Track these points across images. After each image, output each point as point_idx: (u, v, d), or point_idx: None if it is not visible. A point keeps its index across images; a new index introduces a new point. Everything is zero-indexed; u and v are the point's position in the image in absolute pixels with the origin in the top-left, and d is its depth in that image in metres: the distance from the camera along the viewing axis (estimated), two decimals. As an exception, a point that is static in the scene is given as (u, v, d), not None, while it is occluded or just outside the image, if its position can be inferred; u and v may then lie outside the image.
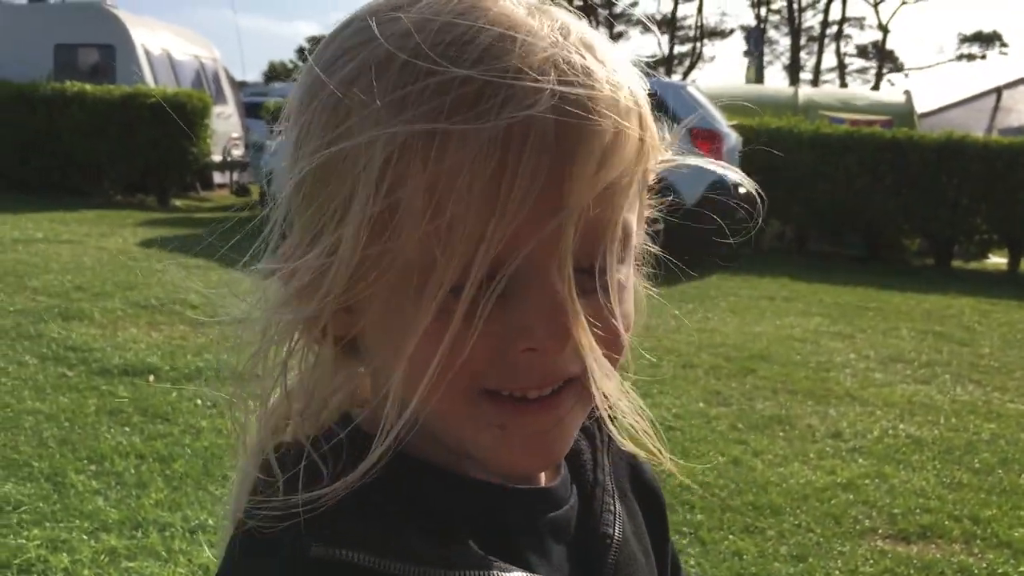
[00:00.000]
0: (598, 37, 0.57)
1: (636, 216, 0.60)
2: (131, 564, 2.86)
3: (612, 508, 0.68)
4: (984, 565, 3.45)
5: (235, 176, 15.92)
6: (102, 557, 2.89)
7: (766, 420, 4.94)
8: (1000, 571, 3.42)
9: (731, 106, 12.66)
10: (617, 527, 0.67)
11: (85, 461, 3.64)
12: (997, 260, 13.09)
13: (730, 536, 3.51)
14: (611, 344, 0.57)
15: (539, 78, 0.51)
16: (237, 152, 15.83)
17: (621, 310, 0.58)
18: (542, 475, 0.65)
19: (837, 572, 3.33)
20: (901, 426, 5.05)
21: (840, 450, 4.60)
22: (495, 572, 0.56)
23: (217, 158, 14.78)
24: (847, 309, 8.44)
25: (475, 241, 0.51)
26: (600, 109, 0.52)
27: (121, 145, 12.64)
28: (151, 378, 4.77)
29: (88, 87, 12.66)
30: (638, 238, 0.64)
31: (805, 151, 11.87)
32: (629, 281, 0.60)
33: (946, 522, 3.80)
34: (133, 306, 6.28)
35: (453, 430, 0.57)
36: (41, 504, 3.22)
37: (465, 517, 0.59)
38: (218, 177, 15.66)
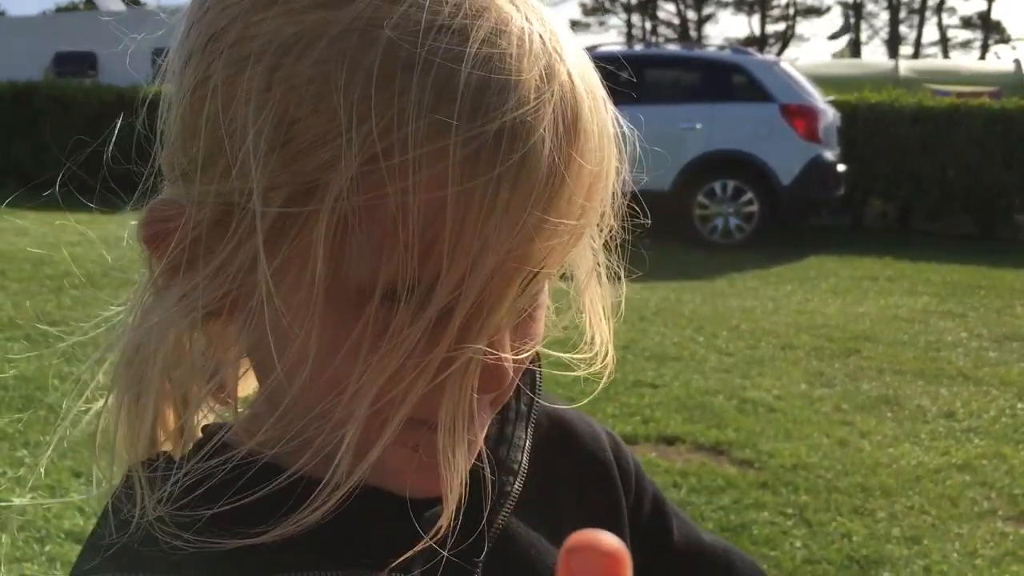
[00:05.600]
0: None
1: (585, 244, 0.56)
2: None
3: (508, 489, 0.61)
4: (1118, 549, 3.22)
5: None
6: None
7: (872, 401, 4.74)
8: None
9: (828, 81, 12.27)
10: (502, 513, 0.60)
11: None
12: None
13: (838, 517, 3.36)
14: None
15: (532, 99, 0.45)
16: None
17: (532, 333, 0.54)
18: None
19: (955, 554, 3.15)
20: (1019, 405, 4.77)
21: (954, 431, 4.37)
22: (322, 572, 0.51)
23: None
24: (956, 288, 8.06)
25: (448, 268, 0.44)
26: (583, 143, 0.47)
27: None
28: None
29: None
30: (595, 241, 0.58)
31: (908, 126, 11.40)
32: (544, 304, 0.55)
33: (1073, 504, 3.57)
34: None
35: (360, 449, 0.49)
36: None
37: (280, 514, 0.51)
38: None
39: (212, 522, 0.49)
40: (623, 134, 0.52)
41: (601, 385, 0.62)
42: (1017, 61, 17.07)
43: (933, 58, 37.77)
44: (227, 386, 0.57)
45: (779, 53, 38.98)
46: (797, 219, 10.39)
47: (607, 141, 0.49)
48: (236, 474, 0.50)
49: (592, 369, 0.61)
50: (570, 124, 0.46)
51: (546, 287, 0.54)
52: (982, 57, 41.00)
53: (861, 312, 6.86)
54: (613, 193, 0.52)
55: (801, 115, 9.46)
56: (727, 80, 9.76)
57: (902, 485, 3.69)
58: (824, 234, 11.01)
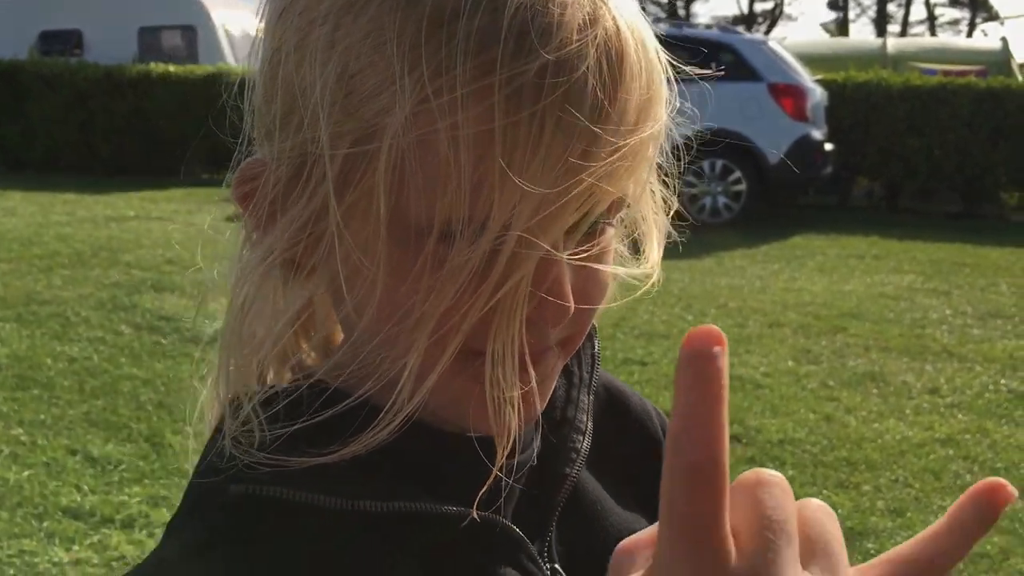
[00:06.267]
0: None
1: (638, 183, 0.56)
2: (227, 518, 2.94)
3: (577, 446, 0.65)
4: (1096, 520, 3.30)
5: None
6: (199, 512, 2.98)
7: (858, 377, 4.81)
8: (1114, 526, 3.26)
9: (816, 60, 12.28)
10: (576, 467, 0.64)
11: (181, 423, 3.74)
12: (1103, 212, 12.47)
13: (824, 491, 3.42)
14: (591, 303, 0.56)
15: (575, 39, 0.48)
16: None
17: (600, 277, 0.56)
18: None
19: (938, 527, 3.22)
20: (1003, 381, 4.85)
21: (938, 406, 4.44)
22: (437, 505, 0.54)
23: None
24: (942, 266, 8.14)
25: (497, 200, 0.47)
26: (628, 80, 0.50)
27: (204, 123, 12.94)
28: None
29: (172, 68, 12.97)
30: (645, 206, 0.61)
31: (895, 104, 11.44)
32: (611, 245, 0.57)
33: (1054, 477, 3.64)
34: (223, 276, 6.43)
35: (441, 390, 0.53)
36: (141, 463, 3.34)
37: (415, 464, 0.57)
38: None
39: (293, 444, 0.53)
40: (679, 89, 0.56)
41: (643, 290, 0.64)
42: (1004, 39, 17.11)
43: (920, 36, 37.79)
44: (314, 331, 0.62)
45: (767, 32, 38.92)
46: (785, 198, 10.44)
47: (655, 84, 0.52)
48: (314, 403, 0.55)
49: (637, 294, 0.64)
50: (615, 64, 0.49)
51: (611, 235, 0.56)
52: (969, 35, 41.05)
53: (847, 290, 6.92)
54: (669, 137, 0.55)
55: (789, 94, 9.49)
56: (715, 59, 9.76)
57: (886, 459, 3.76)
58: (811, 212, 11.07)
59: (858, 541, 3.09)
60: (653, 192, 0.61)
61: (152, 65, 12.99)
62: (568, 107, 0.47)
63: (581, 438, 0.65)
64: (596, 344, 0.70)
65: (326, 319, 0.63)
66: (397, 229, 0.50)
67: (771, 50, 9.94)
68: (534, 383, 0.53)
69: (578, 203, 0.49)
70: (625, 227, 0.61)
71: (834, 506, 3.29)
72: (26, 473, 3.21)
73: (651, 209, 0.61)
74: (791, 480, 3.45)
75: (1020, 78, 13.92)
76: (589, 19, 0.48)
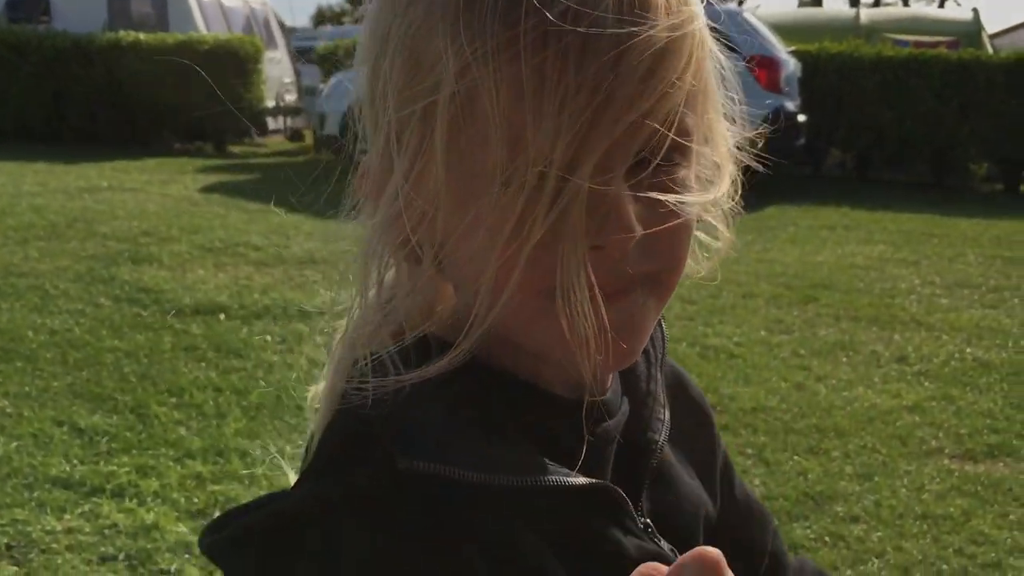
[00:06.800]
0: None
1: (697, 123, 0.61)
2: (216, 487, 3.00)
3: (661, 416, 0.71)
4: (1054, 483, 3.44)
5: (288, 121, 16.03)
6: (189, 481, 3.04)
7: (829, 346, 4.92)
8: (1071, 488, 3.40)
9: (789, 30, 12.34)
10: (663, 434, 0.71)
11: (165, 394, 3.79)
12: (1069, 183, 12.67)
13: (795, 457, 3.54)
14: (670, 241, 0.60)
15: None
16: (290, 97, 15.92)
17: (676, 214, 0.59)
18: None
19: (903, 490, 3.35)
20: (968, 350, 4.99)
21: (905, 374, 4.57)
22: (562, 478, 0.59)
23: (270, 104, 14.89)
24: (911, 236, 8.29)
25: (536, 138, 0.53)
26: (653, 17, 0.54)
27: (177, 93, 12.80)
28: (222, 316, 4.91)
29: (142, 36, 12.80)
30: (721, 159, 0.66)
31: (867, 76, 11.55)
32: (690, 187, 0.61)
33: (1014, 441, 3.78)
34: (199, 249, 6.44)
35: (533, 333, 0.59)
36: (127, 434, 3.38)
37: (529, 425, 0.62)
38: (271, 123, 15.79)
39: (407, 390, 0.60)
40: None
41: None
42: (975, 10, 17.24)
43: (893, 7, 37.91)
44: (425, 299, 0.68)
45: (740, 3, 38.83)
46: (758, 169, 10.52)
47: (688, 22, 0.56)
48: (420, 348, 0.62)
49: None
50: (638, 5, 0.54)
51: (681, 175, 0.60)
52: (941, 6, 41.23)
53: (819, 261, 7.04)
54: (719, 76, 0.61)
55: (763, 65, 9.56)
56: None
57: (855, 426, 3.88)
58: (784, 184, 11.18)
59: (827, 505, 3.21)
60: (724, 139, 0.66)
61: (122, 33, 12.81)
62: (591, 43, 0.52)
63: (663, 409, 0.72)
64: (663, 326, 0.75)
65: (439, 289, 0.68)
66: (463, 179, 0.56)
67: (746, 21, 9.98)
68: (603, 316, 0.56)
69: (612, 131, 0.54)
70: (702, 172, 0.64)
71: (804, 471, 3.41)
72: (14, 444, 3.25)
73: (724, 153, 0.66)
74: (763, 447, 3.58)
75: (990, 50, 14.07)
76: None
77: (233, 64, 13.14)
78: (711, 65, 0.62)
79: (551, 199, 0.54)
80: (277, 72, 15.36)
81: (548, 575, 0.58)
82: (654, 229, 0.57)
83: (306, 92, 15.13)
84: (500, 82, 0.53)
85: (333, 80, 11.65)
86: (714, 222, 0.68)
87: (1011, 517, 3.19)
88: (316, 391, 0.68)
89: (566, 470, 0.60)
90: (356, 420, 0.59)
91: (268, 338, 4.57)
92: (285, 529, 0.57)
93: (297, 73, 16.44)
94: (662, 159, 0.57)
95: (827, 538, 3.00)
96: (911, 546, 2.98)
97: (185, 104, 12.82)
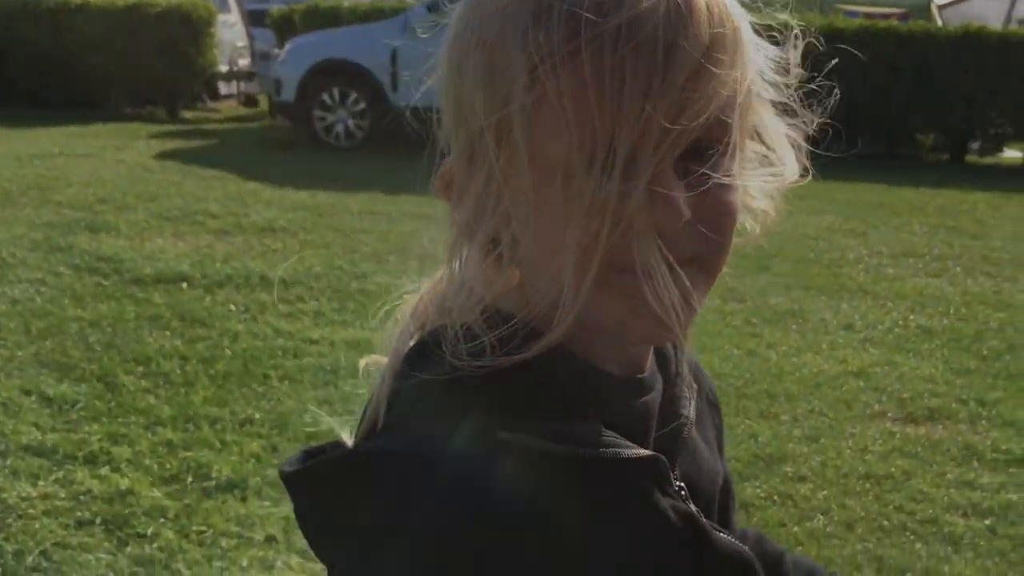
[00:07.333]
0: None
1: (743, 118, 0.68)
2: (188, 454, 3.07)
3: (687, 395, 0.80)
4: (988, 443, 3.64)
5: (242, 87, 15.82)
6: (160, 448, 3.10)
7: (780, 315, 5.09)
8: (1004, 447, 3.60)
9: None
10: (692, 410, 0.79)
11: (132, 363, 3.83)
12: (1012, 154, 13.02)
13: (746, 421, 3.69)
14: (716, 230, 0.67)
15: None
16: (243, 62, 15.69)
17: (723, 200, 0.67)
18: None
19: (848, 451, 3.52)
20: (912, 317, 5.19)
21: (852, 341, 4.76)
22: (625, 450, 0.68)
23: (224, 68, 14.68)
24: (860, 206, 8.50)
25: (598, 133, 0.61)
26: (697, 22, 0.63)
27: (128, 57, 12.58)
28: (184, 285, 4.93)
29: (92, -2, 12.53)
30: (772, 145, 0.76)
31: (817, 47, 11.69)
32: (734, 176, 0.68)
33: (953, 405, 3.98)
34: (157, 217, 6.42)
35: (612, 310, 0.66)
36: (97, 402, 3.42)
37: (585, 400, 0.70)
38: (224, 88, 15.57)
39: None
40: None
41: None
42: (925, -17, 17.50)
43: (846, -24, 38.19)
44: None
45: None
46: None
47: (729, 25, 0.65)
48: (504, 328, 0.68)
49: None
50: (685, 12, 0.62)
51: (728, 165, 0.66)
52: (893, -24, 41.61)
53: (772, 231, 7.21)
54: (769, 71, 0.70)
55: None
56: None
57: (804, 391, 4.05)
58: (738, 153, 11.35)
59: (776, 466, 3.37)
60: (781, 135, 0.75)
61: (72, -5, 12.53)
62: (644, 50, 0.61)
63: (688, 389, 0.81)
64: None
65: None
66: (537, 173, 0.64)
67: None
68: (687, 283, 0.64)
69: (663, 127, 0.62)
70: (749, 163, 0.72)
71: (755, 434, 3.57)
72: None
73: (780, 144, 0.75)
74: (717, 411, 3.73)
75: (939, 22, 14.34)
76: None
77: (185, 27, 12.93)
78: (758, 61, 0.70)
79: (614, 186, 0.62)
80: (230, 36, 15.12)
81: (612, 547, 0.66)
82: (700, 215, 0.65)
83: (260, 57, 14.92)
84: (565, 88, 0.61)
85: (289, 45, 11.50)
86: (761, 205, 0.78)
87: (948, 476, 3.38)
88: (374, 359, 0.76)
89: (627, 442, 0.68)
90: (455, 385, 0.66)
91: (232, 307, 4.61)
92: (361, 471, 0.65)
93: (251, 37, 16.19)
94: (709, 150, 0.65)
95: (776, 497, 3.16)
96: (854, 504, 3.16)
97: (136, 68, 12.66)
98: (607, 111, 0.61)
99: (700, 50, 0.62)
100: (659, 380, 0.77)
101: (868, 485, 3.29)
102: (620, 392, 0.72)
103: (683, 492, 0.74)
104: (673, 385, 0.79)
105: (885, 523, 3.05)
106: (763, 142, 0.75)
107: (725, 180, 0.66)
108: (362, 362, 0.77)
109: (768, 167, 0.77)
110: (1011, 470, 3.45)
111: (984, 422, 3.84)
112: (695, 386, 0.82)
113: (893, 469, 3.40)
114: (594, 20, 0.61)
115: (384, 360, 0.74)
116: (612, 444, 0.67)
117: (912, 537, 2.98)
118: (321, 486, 0.67)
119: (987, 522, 3.09)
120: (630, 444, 0.68)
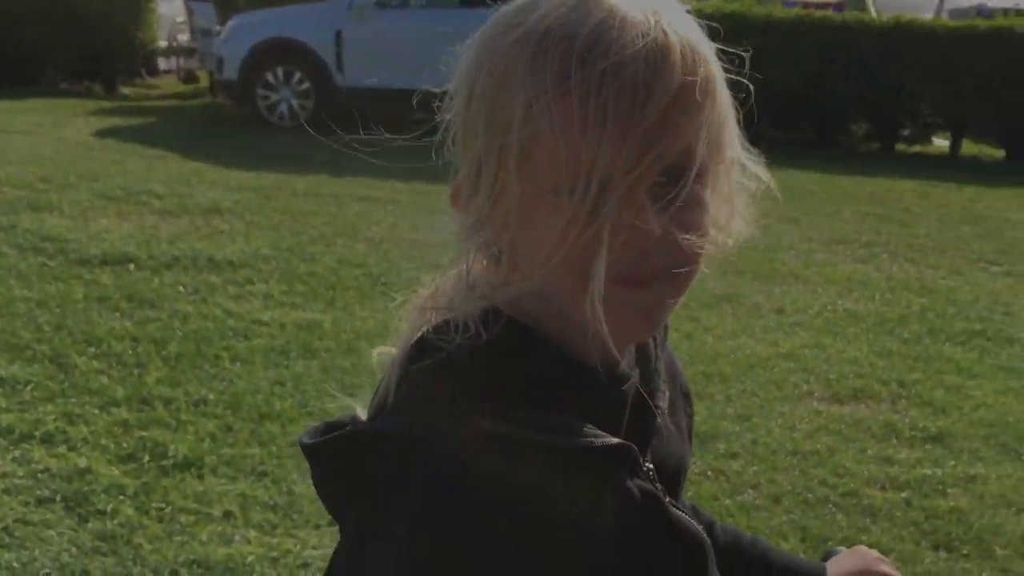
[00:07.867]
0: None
1: (712, 148, 0.78)
2: (144, 433, 3.14)
3: (662, 388, 0.90)
4: (907, 421, 3.88)
5: (181, 63, 15.59)
6: (116, 428, 3.16)
7: (716, 299, 5.29)
8: (921, 425, 3.85)
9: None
10: (665, 401, 0.89)
11: (83, 344, 3.86)
12: (940, 143, 13.48)
13: (683, 401, 3.87)
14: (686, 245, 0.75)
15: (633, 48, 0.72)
16: (182, 38, 15.45)
17: (693, 220, 0.75)
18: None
19: (777, 429, 3.73)
20: (840, 301, 5.44)
21: (783, 324, 4.99)
22: (598, 440, 0.76)
23: (163, 44, 14.45)
24: (794, 193, 8.77)
25: (582, 163, 0.71)
26: (671, 68, 0.73)
27: (64, 30, 12.31)
28: (131, 266, 4.95)
29: (27, -31, 12.23)
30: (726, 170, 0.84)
31: (757, 36, 11.98)
32: (705, 200, 0.77)
33: (875, 385, 4.22)
34: (100, 197, 6.37)
35: (579, 305, 0.74)
36: (49, 383, 3.46)
37: (566, 391, 0.79)
38: (163, 63, 15.32)
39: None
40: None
41: None
42: (860, -26, 17.91)
43: (785, -37, 38.70)
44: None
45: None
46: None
47: (703, 71, 0.73)
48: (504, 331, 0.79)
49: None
50: (661, 59, 0.71)
51: (699, 194, 0.76)
52: (830, -36, 42.25)
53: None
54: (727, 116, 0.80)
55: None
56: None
57: (737, 372, 4.25)
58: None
59: (710, 443, 3.56)
60: (743, 167, 0.85)
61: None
62: (624, 94, 0.71)
63: (663, 383, 0.90)
64: (667, 319, 0.92)
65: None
66: (529, 193, 0.74)
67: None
68: (652, 294, 0.75)
69: (638, 158, 0.72)
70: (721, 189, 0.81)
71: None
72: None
73: (737, 180, 0.85)
74: (655, 391, 3.90)
75: (874, 13, 14.74)
76: (642, 33, 0.72)
77: (123, 1, 12.70)
78: (724, 99, 0.80)
79: (591, 206, 0.72)
80: (169, 11, 14.88)
81: (586, 528, 0.74)
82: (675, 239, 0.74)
83: (201, 33, 14.71)
84: (556, 124, 0.71)
85: (232, 23, 11.37)
86: (732, 222, 0.87)
87: (869, 452, 3.61)
88: (385, 349, 0.86)
89: (600, 432, 0.77)
90: (447, 375, 0.77)
91: (181, 288, 4.65)
92: (373, 445, 0.75)
93: (190, 12, 15.94)
94: (680, 179, 0.74)
95: (710, 472, 3.35)
96: (782, 478, 3.36)
97: (72, 42, 12.40)
98: (591, 144, 0.71)
99: (673, 92, 0.72)
100: (636, 372, 0.86)
101: (795, 461, 3.50)
102: (599, 384, 0.81)
103: (651, 473, 0.82)
104: (651, 379, 0.88)
105: (809, 496, 3.26)
106: (725, 175, 0.84)
107: (692, 202, 0.75)
108: (375, 352, 0.88)
109: (740, 188, 0.87)
110: (927, 447, 3.70)
111: (904, 401, 4.08)
112: (672, 379, 0.93)
113: (818, 446, 3.62)
114: (582, 64, 0.71)
115: (393, 350, 0.84)
116: (587, 434, 0.76)
117: (834, 509, 3.20)
118: (333, 459, 0.78)
119: (903, 495, 3.32)
120: (603, 433, 0.76)
